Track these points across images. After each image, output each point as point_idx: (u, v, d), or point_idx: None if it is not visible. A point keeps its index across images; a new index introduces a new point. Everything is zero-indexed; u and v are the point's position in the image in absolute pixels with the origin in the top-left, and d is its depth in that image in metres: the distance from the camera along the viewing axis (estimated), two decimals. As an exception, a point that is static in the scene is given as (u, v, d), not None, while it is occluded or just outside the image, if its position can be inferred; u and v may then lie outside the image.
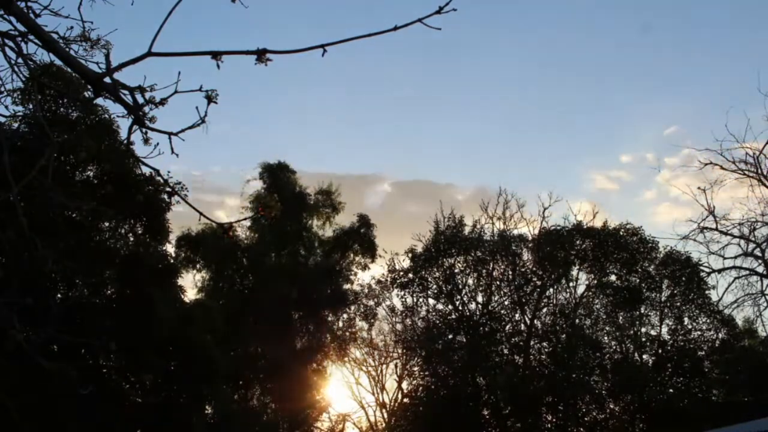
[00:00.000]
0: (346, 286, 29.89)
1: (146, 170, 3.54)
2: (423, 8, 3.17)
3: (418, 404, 26.74)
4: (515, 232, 28.00)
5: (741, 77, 52.16)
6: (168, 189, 18.86)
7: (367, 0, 50.49)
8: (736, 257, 26.54)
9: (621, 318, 26.68)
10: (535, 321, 26.77)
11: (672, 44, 53.78)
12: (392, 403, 30.61)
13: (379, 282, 29.74)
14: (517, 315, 27.16)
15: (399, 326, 29.65)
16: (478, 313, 27.36)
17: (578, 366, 25.38)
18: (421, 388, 26.86)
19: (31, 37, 3.78)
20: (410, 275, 27.99)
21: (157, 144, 3.71)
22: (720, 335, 26.16)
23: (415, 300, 28.20)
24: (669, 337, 26.23)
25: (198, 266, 28.09)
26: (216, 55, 3.27)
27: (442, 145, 58.43)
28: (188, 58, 3.31)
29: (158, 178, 3.63)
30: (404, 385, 29.61)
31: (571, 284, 27.27)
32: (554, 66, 55.54)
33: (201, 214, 3.94)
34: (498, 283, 27.69)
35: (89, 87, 3.53)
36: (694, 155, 36.80)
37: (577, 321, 26.76)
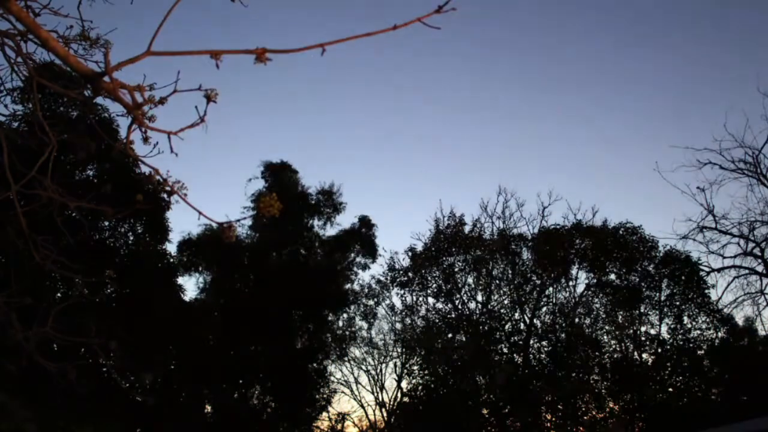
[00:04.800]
0: (347, 286, 29.88)
1: (145, 169, 3.51)
2: (422, 7, 3.16)
3: (417, 403, 26.73)
4: (515, 231, 28.06)
5: (741, 77, 52.07)
6: (167, 188, 18.84)
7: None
8: (735, 256, 26.61)
9: (620, 317, 26.68)
10: (535, 320, 26.79)
11: (669, 44, 53.69)
12: (392, 402, 30.63)
13: (379, 282, 29.79)
14: (516, 314, 27.19)
15: (399, 325, 29.69)
16: (477, 312, 27.37)
17: (578, 365, 25.40)
18: (420, 387, 26.85)
19: (31, 36, 3.78)
20: (410, 274, 28.00)
21: (157, 143, 3.71)
22: (719, 334, 26.22)
23: (414, 299, 28.25)
24: (668, 336, 26.27)
25: (200, 268, 28.06)
26: (215, 54, 3.27)
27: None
28: (188, 57, 3.31)
29: (157, 177, 3.60)
30: (404, 384, 29.64)
31: (570, 283, 27.30)
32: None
33: (200, 213, 3.93)
34: (498, 282, 27.71)
35: (88, 86, 3.53)
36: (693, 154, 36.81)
37: (576, 320, 26.77)
